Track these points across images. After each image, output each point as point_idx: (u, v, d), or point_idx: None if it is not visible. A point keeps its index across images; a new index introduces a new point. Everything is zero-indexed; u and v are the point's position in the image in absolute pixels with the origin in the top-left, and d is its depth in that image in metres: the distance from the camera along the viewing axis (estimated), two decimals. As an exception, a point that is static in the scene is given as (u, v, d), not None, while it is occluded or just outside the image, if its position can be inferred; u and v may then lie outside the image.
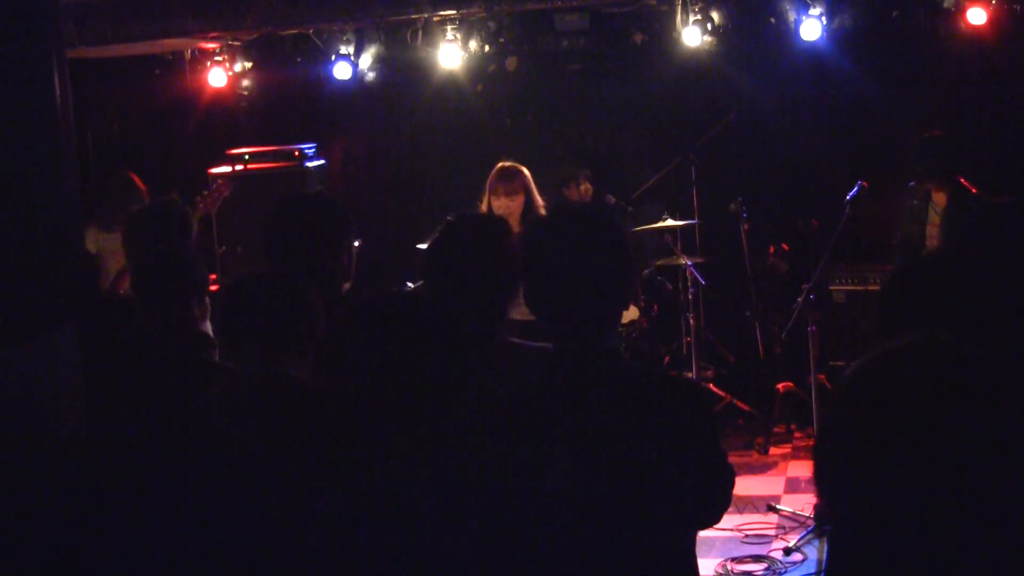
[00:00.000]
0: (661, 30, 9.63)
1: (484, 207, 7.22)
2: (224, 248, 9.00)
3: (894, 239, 8.44)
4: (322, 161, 9.81)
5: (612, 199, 9.56)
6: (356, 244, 4.45)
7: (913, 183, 8.20)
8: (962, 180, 8.07)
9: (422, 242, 8.41)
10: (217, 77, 10.23)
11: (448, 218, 3.80)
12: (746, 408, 9.28)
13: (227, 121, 10.63)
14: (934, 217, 8.13)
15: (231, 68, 10.33)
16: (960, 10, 8.86)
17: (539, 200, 7.25)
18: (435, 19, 9.53)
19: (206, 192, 8.42)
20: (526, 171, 7.29)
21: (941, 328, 2.19)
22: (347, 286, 4.34)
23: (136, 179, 8.49)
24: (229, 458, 3.18)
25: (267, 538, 3.11)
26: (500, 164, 7.37)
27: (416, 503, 2.66)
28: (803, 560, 6.66)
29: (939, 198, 8.11)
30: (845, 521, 1.86)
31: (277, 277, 3.75)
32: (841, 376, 2.12)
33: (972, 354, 1.77)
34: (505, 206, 7.13)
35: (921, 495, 1.68)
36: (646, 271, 9.38)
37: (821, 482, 1.89)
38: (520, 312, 3.69)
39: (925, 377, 1.75)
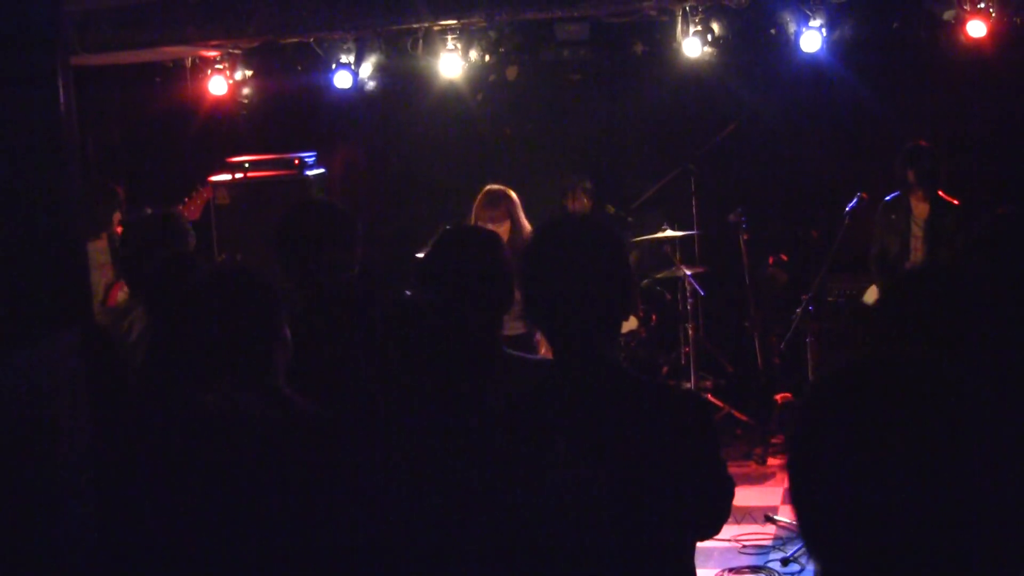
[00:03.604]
0: (661, 40, 9.64)
1: None
2: (224, 255, 9.02)
3: (870, 251, 8.44)
4: (322, 169, 9.81)
5: (611, 209, 9.56)
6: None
7: (892, 197, 8.21)
8: (941, 192, 8.10)
9: (421, 251, 8.45)
10: (218, 85, 10.25)
11: (442, 229, 3.83)
12: (744, 418, 9.28)
13: (227, 129, 10.64)
14: (916, 230, 8.15)
15: (231, 76, 10.34)
16: (960, 22, 8.87)
17: (526, 225, 7.21)
18: (435, 28, 9.54)
19: (187, 199, 8.44)
20: (513, 195, 7.26)
21: (939, 341, 2.19)
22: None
23: (118, 190, 8.45)
24: (236, 469, 3.17)
25: (274, 540, 3.11)
26: (486, 188, 7.36)
27: (420, 513, 2.66)
28: (801, 571, 6.66)
29: (920, 210, 8.13)
30: (825, 544, 1.84)
31: (232, 277, 3.49)
32: (810, 386, 2.09)
33: (948, 370, 1.72)
34: None
35: (900, 511, 1.65)
36: (645, 281, 9.38)
37: (797, 500, 1.87)
38: (509, 327, 3.71)
39: (899, 391, 1.70)
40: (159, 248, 5.05)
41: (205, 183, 8.95)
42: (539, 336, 5.49)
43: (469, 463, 2.70)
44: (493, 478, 2.68)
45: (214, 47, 10.03)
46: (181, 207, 8.44)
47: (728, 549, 7.00)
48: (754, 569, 6.76)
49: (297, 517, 3.10)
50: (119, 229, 7.38)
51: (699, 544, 3.14)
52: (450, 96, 10.20)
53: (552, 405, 2.93)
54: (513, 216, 7.18)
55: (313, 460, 3.16)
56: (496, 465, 2.78)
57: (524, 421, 2.93)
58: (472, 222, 7.24)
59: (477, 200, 7.30)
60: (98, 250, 7.29)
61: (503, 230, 7.11)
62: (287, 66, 10.33)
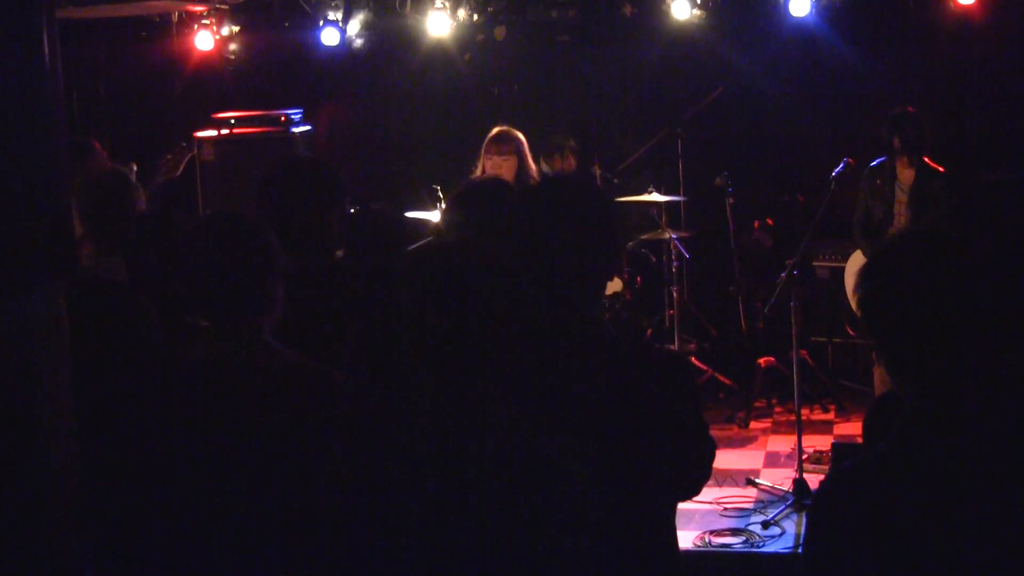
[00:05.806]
0: (650, 2, 9.60)
1: (479, 171, 7.25)
2: (210, 211, 8.98)
3: (855, 217, 8.44)
4: (308, 127, 9.77)
5: (598, 171, 9.55)
6: (352, 210, 4.42)
7: (877, 162, 8.21)
8: (926, 159, 8.09)
9: (409, 209, 8.44)
10: (204, 40, 10.17)
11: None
12: (727, 382, 9.31)
13: (213, 85, 10.57)
14: (900, 196, 8.14)
15: (218, 31, 10.26)
16: (950, -13, 8.87)
17: (532, 166, 7.27)
18: (424, -14, 9.49)
19: (168, 156, 8.36)
20: (521, 136, 7.33)
21: (925, 305, 2.20)
22: (339, 253, 4.32)
23: (97, 145, 8.32)
24: (225, 442, 3.14)
25: (272, 535, 3.08)
26: (496, 129, 7.41)
27: (409, 476, 2.65)
28: (781, 534, 6.70)
29: (905, 177, 8.12)
30: None
31: (224, 223, 3.42)
32: (819, 490, 2.25)
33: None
34: (497, 165, 7.15)
35: None
36: (631, 243, 9.38)
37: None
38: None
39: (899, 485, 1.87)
40: (115, 205, 5.01)
41: (182, 142, 8.85)
42: None
43: (455, 424, 2.69)
44: (471, 437, 2.67)
45: (201, 1, 9.95)
46: (161, 163, 8.36)
47: (709, 512, 7.03)
48: (735, 531, 6.79)
49: (287, 470, 3.08)
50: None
51: (681, 506, 3.16)
52: (438, 55, 10.16)
53: (535, 364, 2.93)
54: (521, 155, 7.22)
55: (303, 410, 3.12)
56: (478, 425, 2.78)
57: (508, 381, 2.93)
58: (480, 160, 7.27)
59: (486, 139, 7.33)
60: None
61: (509, 165, 7.14)
62: (274, 22, 10.25)
